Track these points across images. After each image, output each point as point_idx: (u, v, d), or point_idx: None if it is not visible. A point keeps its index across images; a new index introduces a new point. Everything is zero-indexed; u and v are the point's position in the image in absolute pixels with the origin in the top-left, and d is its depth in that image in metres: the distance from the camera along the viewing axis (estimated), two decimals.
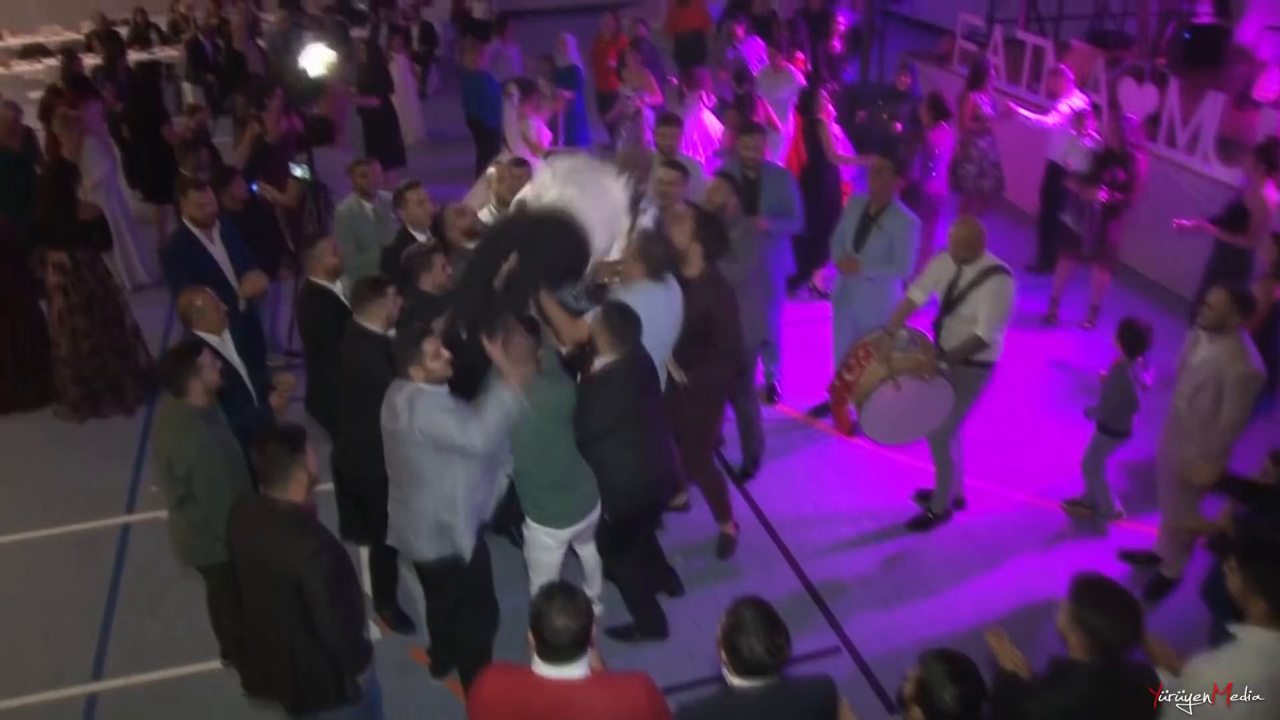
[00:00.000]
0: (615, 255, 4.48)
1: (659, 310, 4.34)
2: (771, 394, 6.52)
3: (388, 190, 6.34)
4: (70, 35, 15.04)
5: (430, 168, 10.62)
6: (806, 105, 7.68)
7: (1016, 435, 6.18)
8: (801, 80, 8.93)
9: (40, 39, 14.94)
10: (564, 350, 4.36)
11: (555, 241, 4.26)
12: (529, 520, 4.21)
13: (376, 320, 4.25)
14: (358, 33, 13.08)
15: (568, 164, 4.53)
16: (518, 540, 4.66)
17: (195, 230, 5.50)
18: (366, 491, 4.31)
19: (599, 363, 4.05)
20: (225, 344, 4.51)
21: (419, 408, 3.68)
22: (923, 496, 5.61)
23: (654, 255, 4.32)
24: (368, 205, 6.16)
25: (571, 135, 9.45)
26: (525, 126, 7.97)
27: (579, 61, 9.90)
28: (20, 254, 6.55)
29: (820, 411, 6.45)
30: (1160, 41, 9.89)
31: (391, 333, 4.17)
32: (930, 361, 4.96)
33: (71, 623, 4.96)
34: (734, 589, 5.00)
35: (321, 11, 14.43)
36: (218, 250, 5.57)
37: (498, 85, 9.44)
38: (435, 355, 3.71)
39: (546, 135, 8.17)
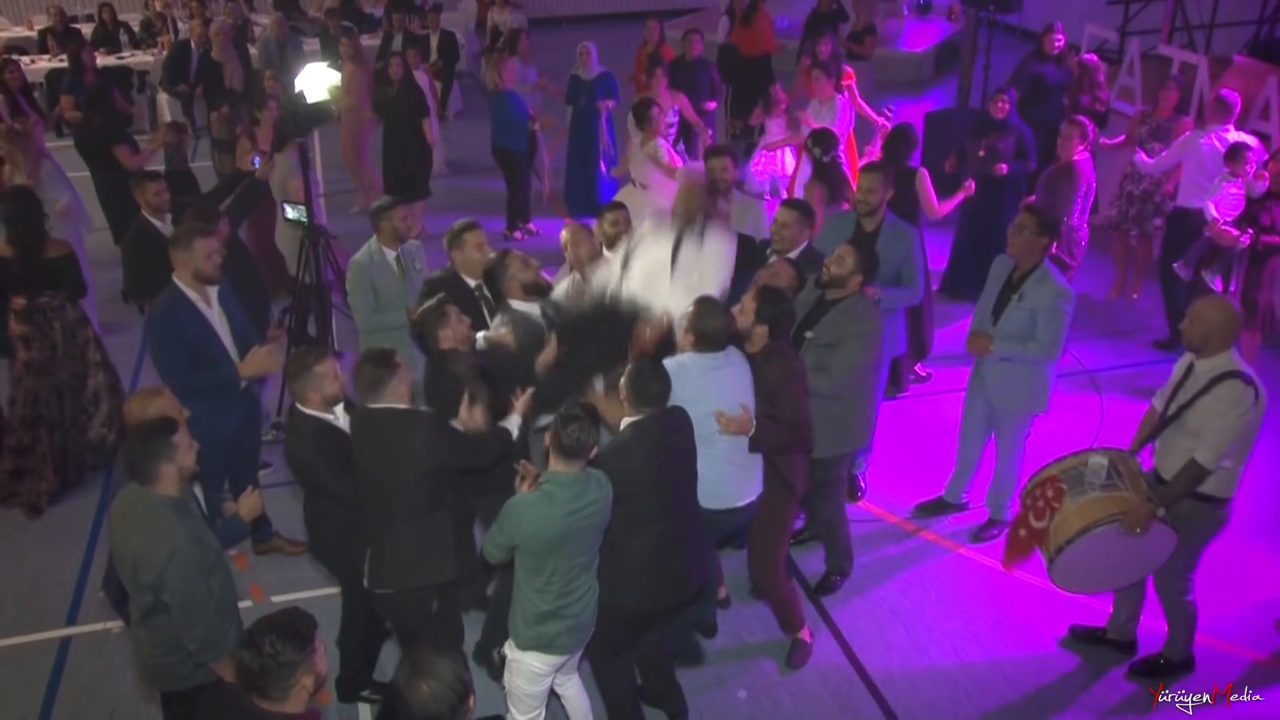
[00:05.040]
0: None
1: (709, 385, 4.20)
2: (854, 489, 5.86)
3: (416, 239, 5.83)
4: (21, 31, 14.63)
5: (451, 202, 10.14)
6: (891, 148, 6.91)
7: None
8: (849, 112, 8.39)
9: None
10: None
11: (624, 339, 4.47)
12: (513, 644, 3.98)
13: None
14: (367, 41, 12.53)
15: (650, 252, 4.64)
16: (496, 671, 4.50)
17: (188, 291, 4.81)
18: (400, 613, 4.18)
19: (622, 423, 4.02)
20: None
21: None
22: (1087, 638, 4.94)
23: (705, 330, 4.21)
24: (390, 254, 5.58)
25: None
26: (653, 149, 7.87)
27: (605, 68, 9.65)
28: None
29: (926, 511, 5.80)
30: None
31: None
32: (1141, 506, 4.22)
33: None
34: None
35: (324, 15, 13.91)
36: (214, 315, 4.89)
37: (524, 107, 9.13)
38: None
39: (677, 159, 8.06)
